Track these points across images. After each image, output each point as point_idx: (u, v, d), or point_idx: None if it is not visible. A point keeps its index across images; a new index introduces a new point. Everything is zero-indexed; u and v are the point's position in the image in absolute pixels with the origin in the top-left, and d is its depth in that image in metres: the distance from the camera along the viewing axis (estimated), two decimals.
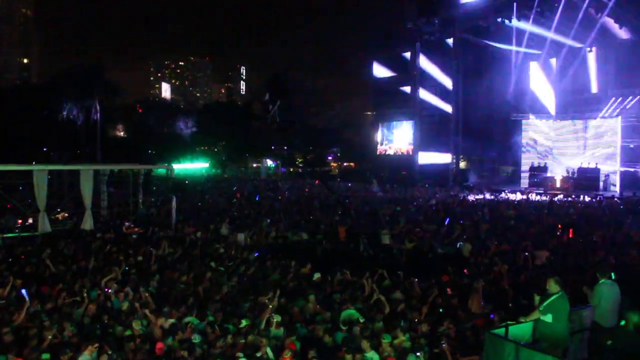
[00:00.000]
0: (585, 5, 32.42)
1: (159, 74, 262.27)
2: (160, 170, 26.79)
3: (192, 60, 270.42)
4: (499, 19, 37.03)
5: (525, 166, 40.53)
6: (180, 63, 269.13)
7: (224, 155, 69.43)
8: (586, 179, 34.84)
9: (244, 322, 8.57)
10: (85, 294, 9.56)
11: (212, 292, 10.53)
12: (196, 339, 7.83)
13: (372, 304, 9.79)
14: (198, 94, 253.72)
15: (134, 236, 17.06)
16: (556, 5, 33.08)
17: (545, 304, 7.17)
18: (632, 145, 35.68)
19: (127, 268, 12.11)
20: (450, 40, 42.59)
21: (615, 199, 28.96)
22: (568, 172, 36.46)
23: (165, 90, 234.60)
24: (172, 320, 8.65)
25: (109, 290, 10.01)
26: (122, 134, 78.31)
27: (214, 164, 69.48)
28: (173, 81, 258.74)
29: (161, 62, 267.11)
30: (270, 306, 9.26)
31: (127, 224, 19.08)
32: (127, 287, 10.22)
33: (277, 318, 8.71)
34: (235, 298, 10.28)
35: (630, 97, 35.46)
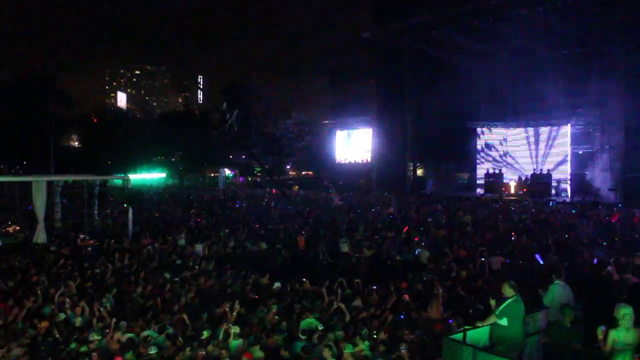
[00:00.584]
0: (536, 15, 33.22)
1: (115, 83, 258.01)
2: (117, 181, 26.33)
3: (148, 69, 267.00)
4: (450, 31, 37.68)
5: (480, 173, 41.37)
6: (136, 72, 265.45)
7: (182, 165, 68.64)
8: (539, 185, 35.73)
9: (205, 334, 8.45)
10: (37, 310, 9.29)
11: (170, 304, 10.37)
12: (152, 349, 7.68)
13: (332, 313, 9.79)
14: (155, 103, 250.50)
15: (89, 249, 16.68)
16: (505, 16, 33.80)
17: (500, 308, 7.32)
18: (581, 152, 36.77)
19: (82, 282, 11.82)
20: (405, 50, 43.09)
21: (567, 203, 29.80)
22: (521, 178, 37.34)
23: (121, 100, 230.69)
24: (129, 334, 8.47)
25: (64, 306, 9.74)
26: (76, 144, 76.63)
27: (171, 174, 68.60)
28: (129, 90, 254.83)
29: (117, 71, 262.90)
30: (230, 317, 9.18)
31: (81, 236, 18.63)
32: (82, 301, 9.98)
33: (235, 329, 8.63)
34: (194, 309, 10.14)
35: (579, 105, 36.59)
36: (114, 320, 8.86)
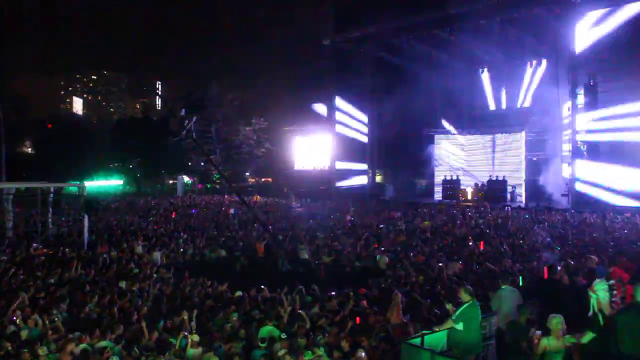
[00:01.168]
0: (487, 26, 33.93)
1: (70, 88, 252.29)
2: (72, 188, 25.74)
3: (105, 74, 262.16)
4: (409, 40, 38.18)
5: (438, 180, 41.96)
6: (93, 77, 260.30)
7: (139, 172, 67.62)
8: (494, 191, 36.46)
9: (163, 343, 8.31)
10: None
11: (127, 313, 10.16)
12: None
13: (292, 320, 9.76)
14: (112, 109, 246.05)
15: (43, 257, 16.23)
16: (463, 26, 34.44)
17: (457, 312, 7.43)
18: (535, 158, 37.70)
19: (35, 292, 11.48)
20: (364, 57, 43.45)
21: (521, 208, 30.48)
22: (478, 184, 38.03)
23: (77, 105, 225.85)
24: (83, 345, 8.26)
25: (15, 319, 9.42)
26: (29, 150, 74.68)
27: (129, 181, 67.48)
28: (85, 96, 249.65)
29: (72, 76, 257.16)
30: (188, 326, 9.06)
31: (35, 245, 18.13)
32: (34, 313, 9.68)
33: (194, 337, 8.52)
34: (152, 318, 9.97)
35: (533, 113, 37.57)
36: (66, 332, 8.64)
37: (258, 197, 44.07)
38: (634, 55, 29.60)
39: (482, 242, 17.95)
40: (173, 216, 29.10)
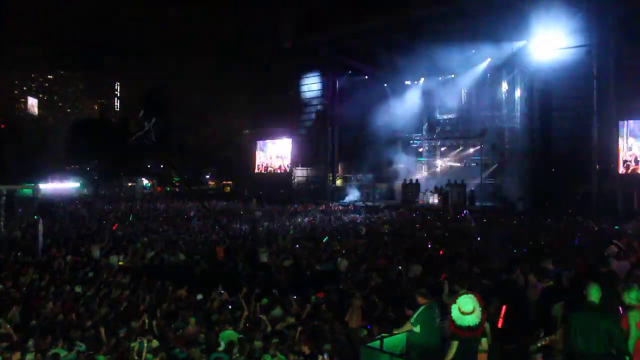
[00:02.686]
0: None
1: (25, 88, 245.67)
2: (26, 191, 25.08)
3: (62, 74, 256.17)
4: (369, 43, 38.44)
5: (399, 183, 42.38)
6: (49, 77, 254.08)
7: (96, 174, 66.34)
8: (453, 194, 36.97)
9: (120, 348, 8.16)
10: None
11: (82, 319, 9.94)
12: None
13: (251, 324, 9.72)
14: (69, 110, 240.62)
15: None
16: (423, 32, 34.91)
17: (414, 315, 7.51)
18: (493, 162, 38.57)
19: None
20: (325, 61, 43.57)
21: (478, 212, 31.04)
22: (437, 187, 38.53)
23: (32, 105, 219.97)
24: (29, 355, 8.01)
25: None
26: None
27: (86, 183, 66.09)
28: (41, 95, 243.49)
29: (27, 75, 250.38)
30: (146, 330, 8.93)
31: None
32: None
33: (153, 342, 8.40)
34: (109, 324, 9.78)
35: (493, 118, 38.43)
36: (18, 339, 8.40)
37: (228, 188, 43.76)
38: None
39: (441, 252, 18.12)
40: (130, 219, 28.60)
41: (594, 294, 6.18)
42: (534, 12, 31.94)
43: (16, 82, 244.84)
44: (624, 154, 30.65)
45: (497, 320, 7.63)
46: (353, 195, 43.71)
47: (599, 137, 30.74)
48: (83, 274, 14.05)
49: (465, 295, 6.70)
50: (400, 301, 10.73)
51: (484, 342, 7.04)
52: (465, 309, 6.55)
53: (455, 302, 6.68)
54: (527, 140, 32.98)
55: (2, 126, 70.45)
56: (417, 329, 7.39)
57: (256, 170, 52.59)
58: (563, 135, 31.79)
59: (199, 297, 11.57)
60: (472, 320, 6.54)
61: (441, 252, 17.23)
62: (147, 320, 9.49)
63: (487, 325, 7.02)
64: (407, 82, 43.71)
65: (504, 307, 7.77)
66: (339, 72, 44.10)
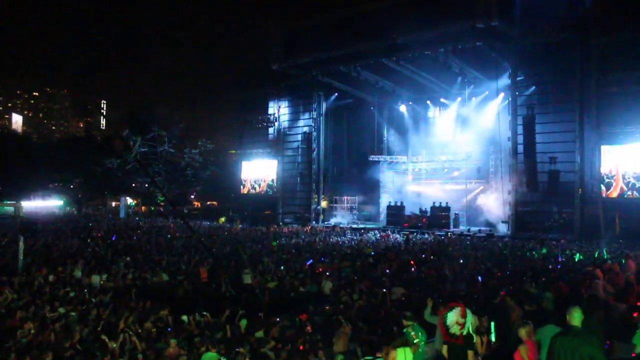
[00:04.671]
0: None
1: (10, 104, 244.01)
2: (7, 208, 24.74)
3: (48, 91, 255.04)
4: (356, 67, 38.69)
5: (383, 205, 42.51)
6: (34, 94, 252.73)
7: (80, 192, 65.72)
8: (438, 217, 37.16)
9: None
10: None
11: (61, 339, 9.76)
12: None
13: (233, 346, 9.59)
14: (54, 127, 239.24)
15: None
16: (408, 56, 35.22)
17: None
18: (477, 186, 38.87)
19: None
20: (312, 83, 43.75)
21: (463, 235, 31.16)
22: (421, 210, 38.67)
23: (16, 122, 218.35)
24: None
25: None
26: None
27: (69, 201, 65.42)
28: (25, 112, 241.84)
29: (12, 91, 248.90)
30: (125, 352, 8.79)
31: None
32: None
33: None
34: (88, 345, 9.61)
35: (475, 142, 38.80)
36: None
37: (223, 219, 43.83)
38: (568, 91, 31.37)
39: (424, 268, 18.17)
40: (113, 239, 28.29)
41: (577, 318, 6.18)
42: (516, 49, 32.62)
43: (1, 98, 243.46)
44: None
45: (489, 335, 7.75)
46: (338, 216, 43.72)
47: (582, 161, 31.13)
48: (64, 293, 13.82)
49: (456, 308, 7.35)
50: (384, 323, 10.69)
51: (470, 354, 7.33)
52: (454, 319, 7.27)
53: (449, 311, 7.35)
54: (512, 163, 33.24)
55: None
56: None
57: (242, 191, 52.40)
58: (546, 160, 32.20)
59: (183, 318, 11.43)
60: (460, 329, 7.26)
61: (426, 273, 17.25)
62: (127, 341, 9.33)
63: (476, 338, 7.41)
64: (395, 105, 44.14)
65: (492, 324, 7.87)
66: (326, 94, 44.34)
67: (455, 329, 7.26)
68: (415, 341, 7.48)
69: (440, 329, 7.58)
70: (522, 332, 6.98)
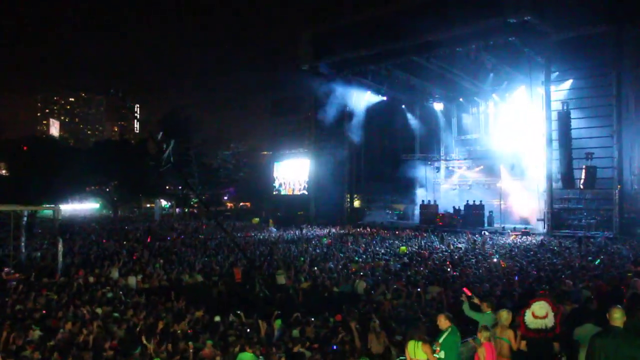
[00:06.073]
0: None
1: (47, 110, 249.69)
2: (47, 212, 25.31)
3: (83, 96, 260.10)
4: (387, 66, 38.46)
5: (417, 204, 42.23)
6: (70, 99, 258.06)
7: (116, 195, 66.92)
8: (472, 215, 36.73)
9: None
10: None
11: (100, 340, 9.93)
12: None
13: (269, 346, 9.63)
14: (89, 132, 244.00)
15: (14, 282, 15.84)
16: (439, 53, 34.91)
17: (441, 340, 7.38)
18: (513, 183, 38.37)
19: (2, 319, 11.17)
20: (344, 82, 43.64)
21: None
22: (455, 208, 38.29)
23: (54, 127, 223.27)
24: None
25: None
26: (4, 172, 73.50)
27: (105, 204, 66.64)
28: (62, 118, 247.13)
29: (49, 98, 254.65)
30: (162, 352, 8.89)
31: (6, 270, 17.71)
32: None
33: None
34: (126, 345, 9.76)
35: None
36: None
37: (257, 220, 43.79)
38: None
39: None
40: (149, 240, 28.72)
41: (618, 318, 6.01)
42: (550, 43, 32.07)
43: (39, 104, 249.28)
44: None
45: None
46: (371, 216, 43.55)
47: (620, 156, 30.33)
48: (101, 294, 14.08)
49: (539, 302, 7.63)
50: (418, 323, 10.58)
51: (556, 345, 7.75)
52: (539, 313, 7.51)
53: (529, 308, 7.60)
54: (547, 160, 32.60)
55: (25, 148, 71.49)
56: (441, 354, 7.29)
57: (274, 192, 52.65)
58: (582, 156, 31.42)
59: (217, 318, 11.52)
60: (546, 323, 7.50)
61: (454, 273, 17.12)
62: (164, 342, 9.44)
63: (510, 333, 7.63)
64: (426, 103, 43.80)
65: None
66: (357, 94, 44.18)
67: (537, 324, 7.50)
68: (434, 346, 7.39)
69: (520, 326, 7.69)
70: (482, 335, 7.29)
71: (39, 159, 60.55)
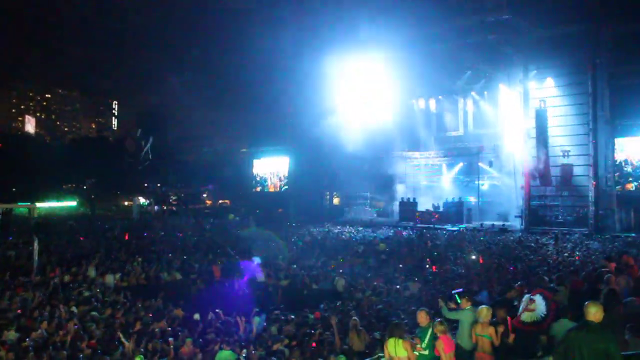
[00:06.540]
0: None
1: (23, 107, 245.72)
2: (22, 210, 24.96)
3: (59, 92, 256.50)
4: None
5: (396, 201, 42.32)
6: (46, 95, 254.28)
7: (93, 193, 66.18)
8: (451, 212, 36.95)
9: None
10: None
11: (77, 339, 9.83)
12: None
13: (248, 343, 9.63)
14: (66, 129, 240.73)
15: None
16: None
17: (425, 339, 7.46)
18: (490, 181, 38.63)
19: None
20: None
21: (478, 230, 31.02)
22: (434, 205, 38.50)
23: (30, 124, 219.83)
24: None
25: None
26: None
27: (82, 202, 65.84)
28: (38, 114, 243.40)
29: (25, 94, 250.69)
30: (139, 351, 8.84)
31: None
32: None
33: None
34: (104, 345, 9.68)
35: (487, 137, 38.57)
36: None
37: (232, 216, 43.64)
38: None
39: (434, 268, 18.02)
40: (127, 238, 28.44)
41: (593, 313, 6.09)
42: (528, 42, 32.38)
43: (14, 100, 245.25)
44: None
45: (507, 333, 7.73)
46: (350, 213, 43.59)
47: (595, 154, 30.75)
48: (78, 293, 13.93)
49: (536, 295, 7.82)
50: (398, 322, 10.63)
51: (544, 339, 7.73)
52: (531, 306, 7.65)
53: (527, 301, 7.75)
54: (524, 157, 32.96)
55: (0, 145, 70.38)
56: (426, 351, 7.39)
57: (253, 189, 52.48)
58: (559, 154, 31.84)
59: (196, 316, 11.48)
60: (539, 315, 7.61)
61: (434, 269, 17.24)
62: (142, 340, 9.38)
63: (491, 329, 7.65)
64: (406, 100, 43.91)
65: (509, 319, 7.84)
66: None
67: (532, 317, 7.61)
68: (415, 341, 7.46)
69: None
70: (437, 329, 7.44)
71: (15, 156, 59.70)
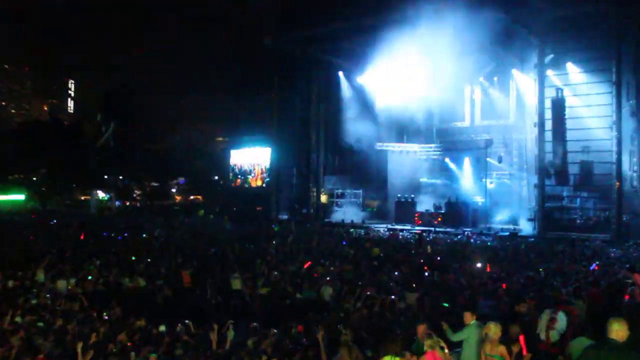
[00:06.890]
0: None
1: None
2: None
3: (6, 69, 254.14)
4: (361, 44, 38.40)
5: (392, 200, 42.34)
6: None
7: (45, 185, 65.70)
8: (454, 214, 37.00)
9: None
10: None
11: (22, 354, 9.73)
12: None
13: (220, 358, 9.60)
14: (13, 111, 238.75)
15: None
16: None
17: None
18: (497, 179, 38.75)
19: None
20: (310, 61, 43.41)
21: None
22: (435, 205, 38.57)
23: None
24: None
25: None
26: None
27: (32, 195, 65.36)
28: None
29: None
30: None
31: None
32: None
33: None
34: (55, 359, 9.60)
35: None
36: None
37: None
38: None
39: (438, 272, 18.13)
40: (82, 238, 28.28)
41: (617, 330, 6.08)
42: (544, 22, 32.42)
43: None
44: None
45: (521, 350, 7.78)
46: (340, 213, 43.59)
47: (619, 151, 30.74)
48: (24, 301, 13.79)
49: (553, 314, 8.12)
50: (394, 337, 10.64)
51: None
52: (555, 325, 7.98)
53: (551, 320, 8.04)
54: (539, 153, 33.00)
55: None
56: None
57: (230, 184, 52.35)
58: (578, 149, 31.88)
59: (162, 328, 11.42)
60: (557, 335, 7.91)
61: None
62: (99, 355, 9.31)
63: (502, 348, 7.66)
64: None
65: (521, 337, 7.85)
66: (326, 75, 44.01)
67: (554, 337, 7.91)
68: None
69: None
70: (426, 344, 7.53)
71: None
